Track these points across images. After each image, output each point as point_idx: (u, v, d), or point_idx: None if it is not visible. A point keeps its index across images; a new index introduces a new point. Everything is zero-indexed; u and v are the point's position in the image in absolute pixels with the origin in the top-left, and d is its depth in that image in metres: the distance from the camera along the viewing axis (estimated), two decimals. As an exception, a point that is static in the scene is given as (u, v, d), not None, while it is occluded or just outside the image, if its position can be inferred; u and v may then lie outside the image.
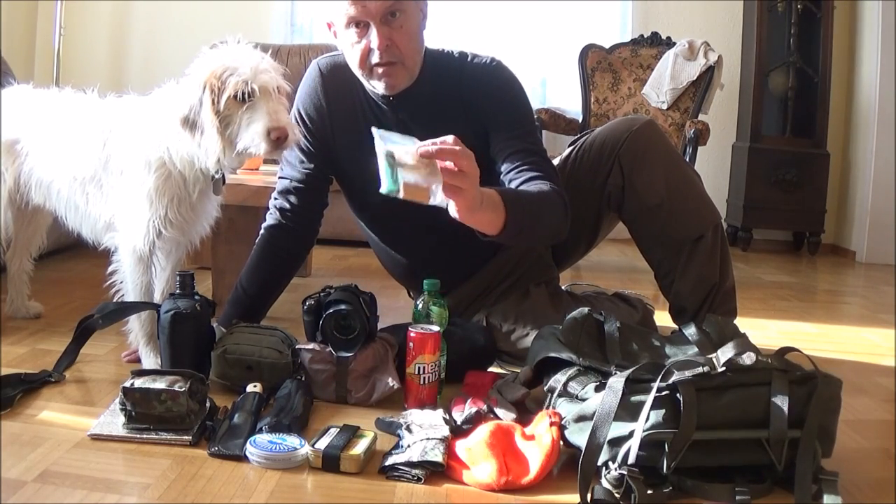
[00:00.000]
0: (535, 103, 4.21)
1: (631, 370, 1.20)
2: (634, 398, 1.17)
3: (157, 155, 1.55)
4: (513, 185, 1.58)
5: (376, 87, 1.60)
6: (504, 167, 1.61)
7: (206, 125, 1.45)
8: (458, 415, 1.35)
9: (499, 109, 1.64)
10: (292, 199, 1.75)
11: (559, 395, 1.31)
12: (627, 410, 1.16)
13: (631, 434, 1.14)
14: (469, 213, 1.31)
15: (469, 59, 1.68)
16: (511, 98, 1.66)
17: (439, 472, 1.20)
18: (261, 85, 1.45)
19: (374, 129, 1.29)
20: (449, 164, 1.25)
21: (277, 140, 1.44)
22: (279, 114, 1.47)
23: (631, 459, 1.12)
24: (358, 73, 1.60)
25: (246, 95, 1.45)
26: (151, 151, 1.56)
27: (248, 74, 1.44)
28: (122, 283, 1.67)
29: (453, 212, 1.29)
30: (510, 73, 1.69)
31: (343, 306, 1.50)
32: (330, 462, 1.19)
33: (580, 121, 3.85)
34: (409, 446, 1.23)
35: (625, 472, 1.12)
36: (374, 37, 1.51)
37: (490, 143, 1.63)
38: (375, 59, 1.54)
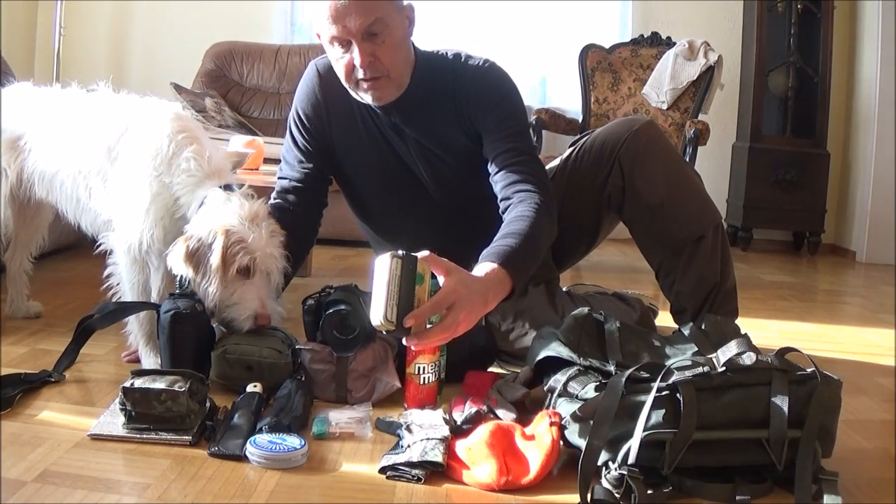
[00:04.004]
0: (535, 103, 4.22)
1: (631, 370, 1.20)
2: (634, 398, 1.17)
3: (162, 180, 1.58)
4: (498, 188, 1.59)
5: (364, 98, 1.61)
6: (492, 169, 1.61)
7: (211, 275, 1.50)
8: (458, 415, 1.35)
9: (488, 110, 1.63)
10: (291, 198, 1.75)
11: (559, 395, 1.31)
12: (627, 410, 1.16)
13: (631, 434, 1.14)
14: (479, 315, 1.35)
15: (462, 60, 1.68)
16: (500, 98, 1.65)
17: (439, 472, 1.20)
18: (264, 267, 1.55)
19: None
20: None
21: (259, 324, 1.54)
22: (266, 300, 1.56)
23: (631, 459, 1.12)
24: (346, 85, 1.61)
25: (248, 270, 1.53)
26: (159, 172, 1.58)
27: (257, 253, 1.53)
28: (118, 283, 1.67)
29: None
30: (502, 74, 1.67)
31: (343, 306, 1.51)
32: None
33: (580, 121, 3.85)
34: (409, 446, 1.23)
35: (625, 472, 1.12)
36: (356, 54, 1.51)
37: (483, 144, 1.64)
38: (360, 74, 1.54)
